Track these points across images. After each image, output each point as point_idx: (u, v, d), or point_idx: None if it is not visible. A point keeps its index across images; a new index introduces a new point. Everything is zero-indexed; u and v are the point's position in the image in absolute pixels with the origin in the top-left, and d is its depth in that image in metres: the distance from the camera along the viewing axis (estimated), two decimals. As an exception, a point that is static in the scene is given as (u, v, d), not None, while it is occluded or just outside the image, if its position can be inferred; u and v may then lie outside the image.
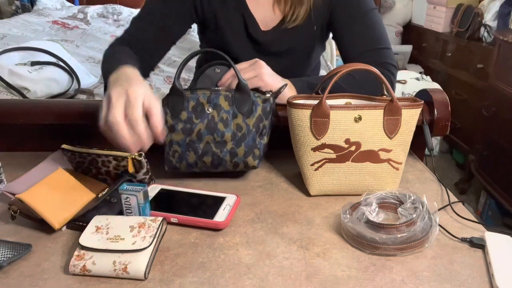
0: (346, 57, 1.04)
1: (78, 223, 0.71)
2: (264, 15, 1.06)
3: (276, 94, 0.88)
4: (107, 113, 0.68)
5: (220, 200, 0.77)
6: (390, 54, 1.01)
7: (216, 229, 0.72)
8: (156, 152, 0.84)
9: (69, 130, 0.98)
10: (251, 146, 0.83)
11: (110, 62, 0.88)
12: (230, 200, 0.77)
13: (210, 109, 0.82)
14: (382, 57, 0.98)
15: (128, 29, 1.04)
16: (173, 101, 0.82)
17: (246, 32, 1.07)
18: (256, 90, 0.87)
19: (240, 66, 0.88)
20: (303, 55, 1.13)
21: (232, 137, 0.83)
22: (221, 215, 0.73)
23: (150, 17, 1.03)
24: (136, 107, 0.67)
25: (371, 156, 0.78)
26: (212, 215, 0.73)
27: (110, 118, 0.67)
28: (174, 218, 0.72)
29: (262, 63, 0.89)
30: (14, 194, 0.78)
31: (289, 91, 0.91)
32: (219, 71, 0.91)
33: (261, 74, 0.87)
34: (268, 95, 0.85)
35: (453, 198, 0.81)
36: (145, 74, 1.01)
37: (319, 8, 1.03)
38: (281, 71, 0.92)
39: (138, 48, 1.00)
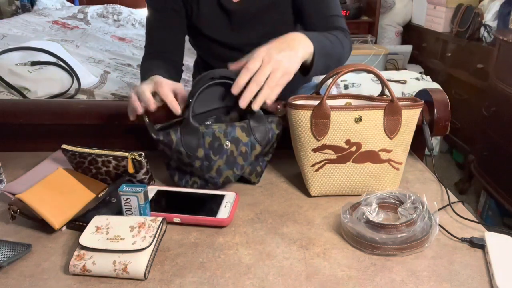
0: (306, 21, 1.10)
1: (78, 223, 0.71)
2: None
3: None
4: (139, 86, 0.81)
5: (220, 197, 0.77)
6: (343, 20, 1.09)
7: (220, 226, 0.72)
8: (156, 153, 0.84)
9: (69, 130, 0.98)
10: (255, 165, 0.85)
11: (145, 76, 0.97)
12: (229, 197, 0.77)
13: (228, 144, 0.79)
14: (338, 22, 1.06)
15: (147, 43, 1.13)
16: (187, 138, 0.78)
17: (219, 4, 1.08)
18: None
19: (251, 65, 0.76)
20: (278, 23, 1.13)
21: (250, 166, 0.84)
22: (223, 212, 0.73)
23: (158, 24, 1.10)
24: (163, 84, 0.80)
25: (372, 157, 0.78)
26: (214, 213, 0.73)
27: (140, 88, 0.80)
28: (176, 218, 0.72)
29: (266, 52, 0.78)
30: (14, 194, 0.78)
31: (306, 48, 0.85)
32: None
33: (288, 68, 0.78)
34: (279, 116, 0.84)
35: (453, 198, 0.81)
36: (179, 70, 1.15)
37: None
38: (259, 44, 0.90)
39: (165, 56, 1.09)
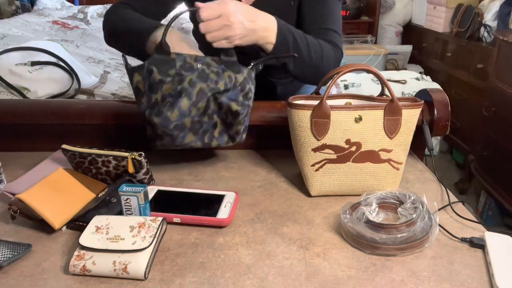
0: (302, 29, 1.09)
1: (78, 223, 0.71)
2: None
3: (257, 67, 0.88)
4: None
5: (220, 198, 0.77)
6: (340, 38, 1.08)
7: (220, 226, 0.72)
8: (156, 153, 0.84)
9: (69, 130, 0.98)
10: (235, 99, 0.83)
11: (138, 20, 0.96)
12: (229, 197, 0.77)
13: (199, 66, 0.81)
14: (332, 37, 1.05)
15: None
16: (159, 61, 0.80)
17: None
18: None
19: (205, 12, 0.80)
20: None
21: (225, 86, 0.82)
22: (224, 212, 0.73)
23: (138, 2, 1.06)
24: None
25: (372, 156, 0.78)
26: (214, 212, 0.73)
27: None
28: (176, 218, 0.72)
29: (229, 12, 0.80)
30: (14, 194, 0.78)
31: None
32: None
33: (232, 38, 0.82)
34: (250, 67, 0.86)
35: (453, 198, 0.81)
36: None
37: None
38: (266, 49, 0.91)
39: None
